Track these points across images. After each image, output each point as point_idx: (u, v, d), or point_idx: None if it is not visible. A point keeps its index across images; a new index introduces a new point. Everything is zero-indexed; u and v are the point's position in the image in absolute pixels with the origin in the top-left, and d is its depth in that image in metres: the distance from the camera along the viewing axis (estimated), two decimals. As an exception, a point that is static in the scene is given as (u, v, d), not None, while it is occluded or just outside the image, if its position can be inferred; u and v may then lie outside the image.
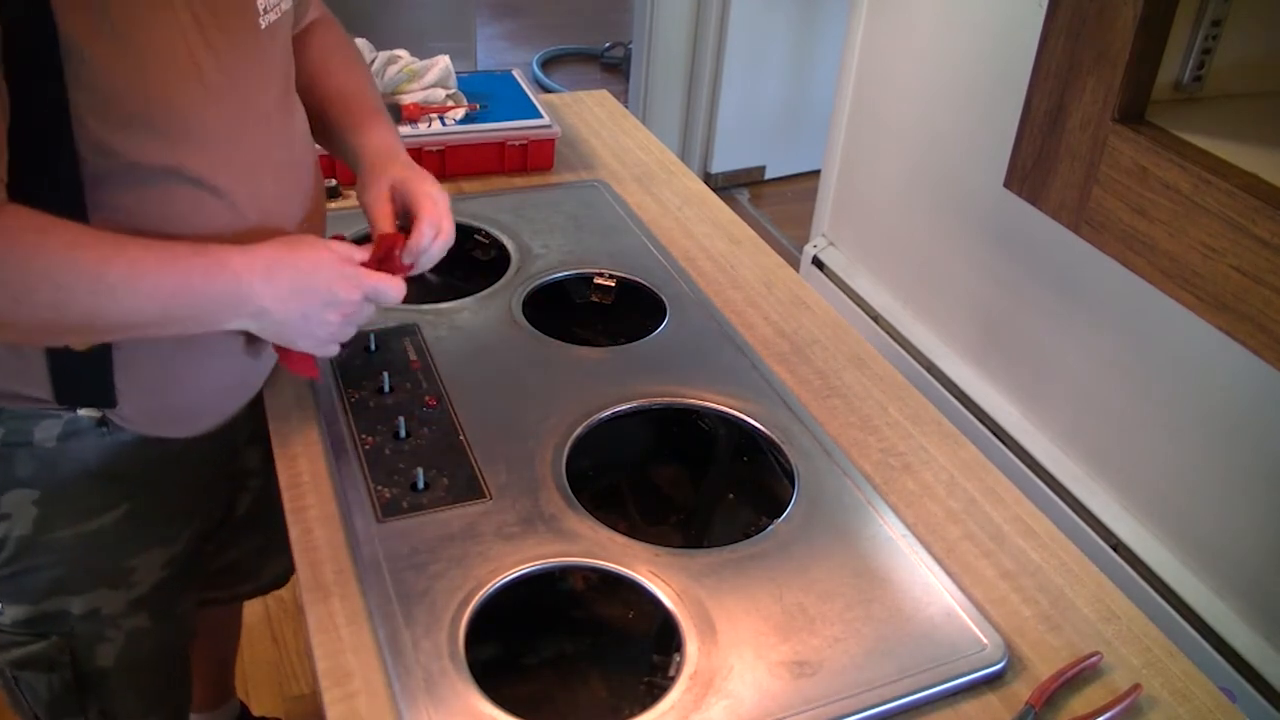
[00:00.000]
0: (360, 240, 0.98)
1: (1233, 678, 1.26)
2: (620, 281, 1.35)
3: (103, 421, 0.92)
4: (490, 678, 0.83)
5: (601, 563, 0.93)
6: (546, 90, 4.17)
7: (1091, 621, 0.94)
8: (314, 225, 1.00)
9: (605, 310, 1.36)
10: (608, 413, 1.11)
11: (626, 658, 1.02)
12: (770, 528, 0.99)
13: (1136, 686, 0.87)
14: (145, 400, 0.92)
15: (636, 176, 1.63)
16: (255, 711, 1.70)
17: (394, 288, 0.92)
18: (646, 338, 1.25)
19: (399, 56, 1.59)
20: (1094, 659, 0.89)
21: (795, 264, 1.99)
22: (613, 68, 4.66)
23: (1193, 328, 1.25)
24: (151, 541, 1.03)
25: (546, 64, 4.59)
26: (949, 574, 0.96)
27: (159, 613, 1.06)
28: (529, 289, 1.31)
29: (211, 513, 1.13)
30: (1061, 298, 1.51)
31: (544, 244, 1.40)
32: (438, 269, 1.41)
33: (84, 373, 0.88)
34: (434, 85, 1.60)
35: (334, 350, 0.95)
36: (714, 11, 3.30)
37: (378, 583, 0.90)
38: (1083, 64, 1.08)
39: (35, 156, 0.77)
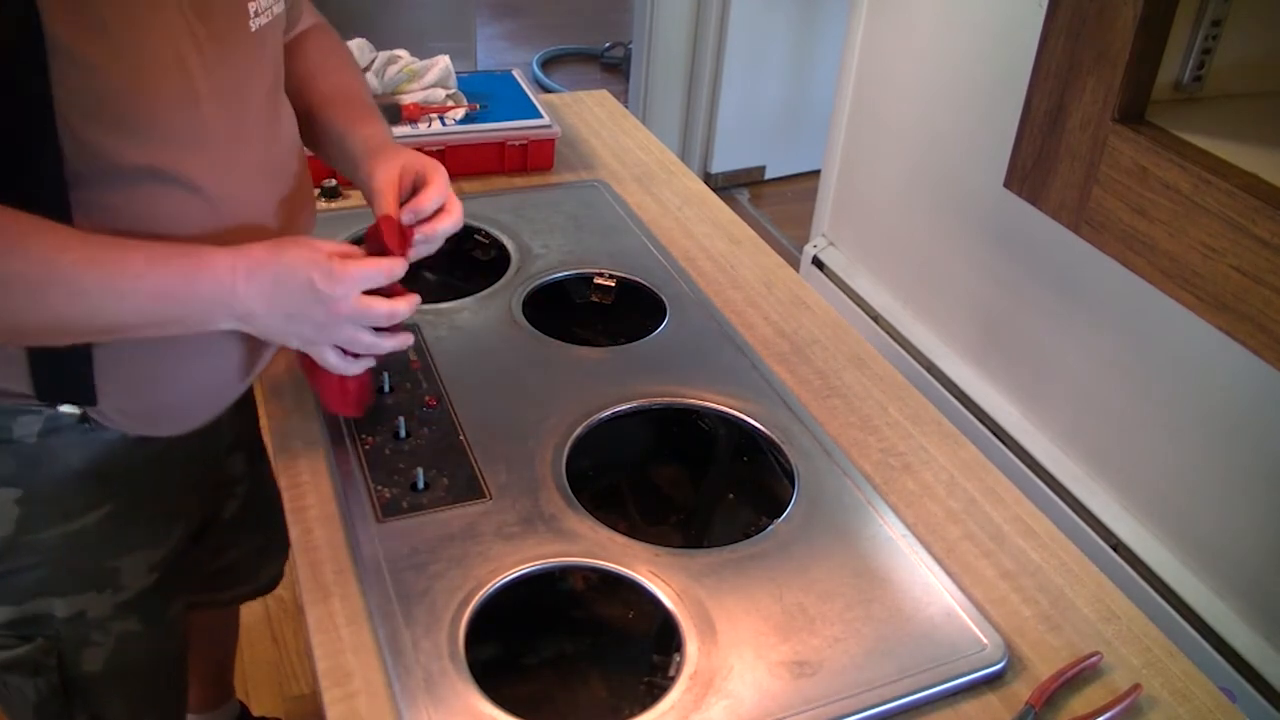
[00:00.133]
0: (358, 241, 0.97)
1: (1233, 678, 1.26)
2: (620, 281, 1.35)
3: (84, 419, 0.91)
4: (490, 678, 0.83)
5: (601, 563, 0.93)
6: (546, 90, 4.17)
7: (1091, 621, 0.94)
8: (301, 228, 0.99)
9: (605, 310, 1.36)
10: (608, 413, 1.11)
11: (626, 658, 1.02)
12: (770, 528, 0.99)
13: (1136, 686, 0.87)
14: (126, 399, 0.91)
15: (636, 176, 1.63)
16: (255, 711, 1.70)
17: (384, 268, 0.89)
18: (646, 338, 1.25)
19: (399, 56, 1.59)
20: (1094, 659, 0.89)
21: (795, 264, 1.99)
22: (613, 68, 4.66)
23: (1193, 328, 1.25)
24: (136, 543, 1.02)
25: (546, 64, 4.59)
26: (949, 574, 0.96)
27: (150, 617, 1.05)
28: (529, 289, 1.31)
29: (195, 516, 1.12)
30: (1061, 298, 1.51)
31: (544, 244, 1.40)
32: (438, 269, 1.41)
33: (64, 369, 0.87)
34: (434, 85, 1.60)
35: (335, 361, 0.93)
36: (714, 11, 3.30)
37: (378, 583, 0.90)
38: (1083, 64, 1.08)
39: (18, 156, 0.77)
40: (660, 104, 3.50)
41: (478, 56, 3.26)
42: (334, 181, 1.48)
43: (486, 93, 1.66)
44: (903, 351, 1.86)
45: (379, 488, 0.99)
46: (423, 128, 1.55)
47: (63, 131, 0.77)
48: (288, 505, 0.99)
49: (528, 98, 1.69)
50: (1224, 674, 1.27)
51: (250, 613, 1.90)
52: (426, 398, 1.10)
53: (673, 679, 0.84)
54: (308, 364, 0.99)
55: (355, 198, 1.46)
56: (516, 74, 1.78)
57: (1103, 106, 1.07)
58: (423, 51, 1.63)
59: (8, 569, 0.95)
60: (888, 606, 0.92)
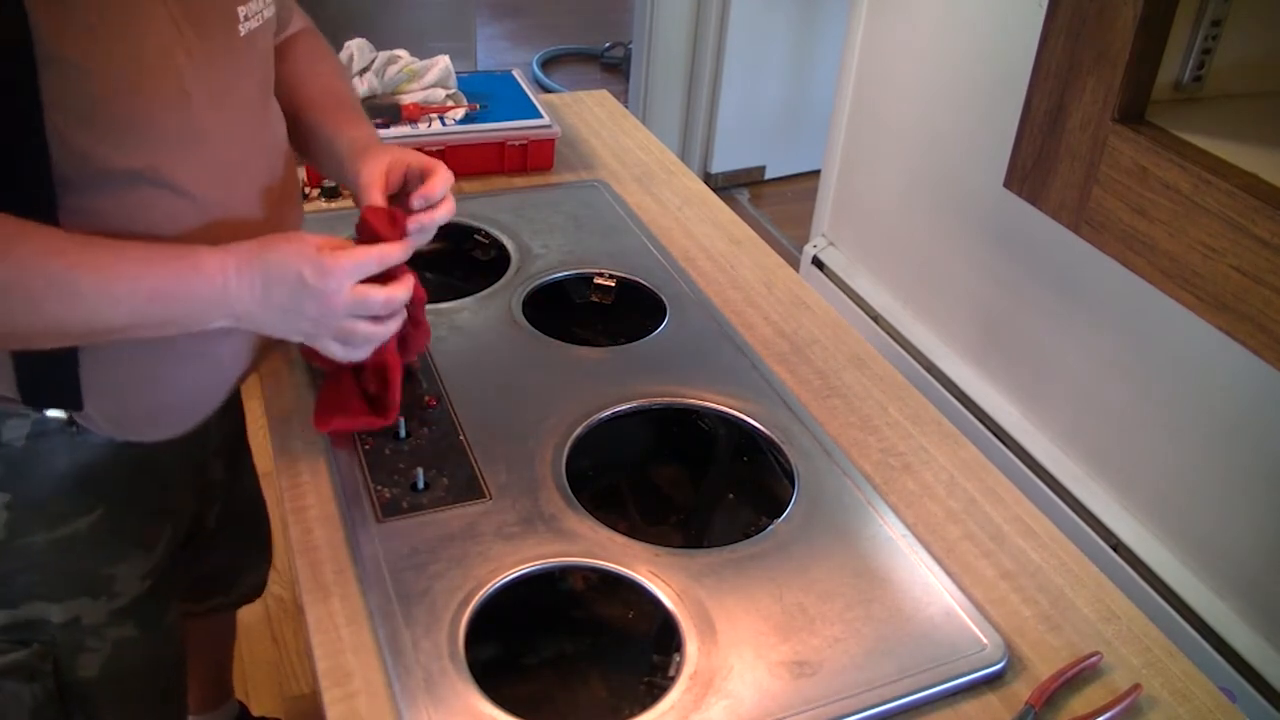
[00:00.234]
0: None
1: (1233, 678, 1.26)
2: (620, 281, 1.35)
3: (71, 423, 0.91)
4: (490, 678, 0.83)
5: (601, 563, 0.93)
6: (546, 90, 4.17)
7: (1091, 621, 0.94)
8: (289, 228, 0.99)
9: (605, 310, 1.36)
10: (608, 413, 1.11)
11: (626, 658, 1.02)
12: (770, 528, 0.99)
13: (1136, 686, 0.87)
14: (113, 402, 0.91)
15: (636, 176, 1.63)
16: (255, 711, 1.70)
17: (375, 256, 0.88)
18: (646, 338, 1.25)
19: (399, 56, 1.59)
20: (1094, 659, 0.89)
21: (795, 264, 1.99)
22: (613, 68, 4.66)
23: (1193, 328, 1.25)
24: (128, 548, 1.01)
25: (546, 64, 4.59)
26: (949, 574, 0.96)
27: (146, 623, 1.05)
28: (529, 289, 1.31)
29: (184, 520, 1.12)
30: (1061, 298, 1.51)
31: (544, 244, 1.40)
32: (438, 269, 1.41)
33: (50, 373, 0.87)
34: (434, 85, 1.60)
35: (339, 351, 0.92)
36: (714, 11, 3.30)
37: (378, 583, 0.90)
38: (1083, 64, 1.08)
39: (7, 161, 0.77)
40: (660, 104, 3.50)
41: (478, 56, 3.26)
42: (333, 181, 1.48)
43: (486, 93, 1.66)
44: (903, 351, 1.86)
45: (379, 488, 0.99)
46: (423, 128, 1.55)
47: (51, 136, 0.76)
48: (288, 505, 0.99)
49: (528, 98, 1.69)
50: (1224, 674, 1.27)
51: (250, 613, 1.90)
52: (426, 398, 1.10)
53: (673, 679, 0.84)
54: (330, 400, 1.02)
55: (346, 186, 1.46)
56: (516, 74, 1.78)
57: (1103, 106, 1.07)
58: (423, 51, 1.63)
59: (1, 573, 0.95)
60: (888, 606, 0.92)
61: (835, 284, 2.05)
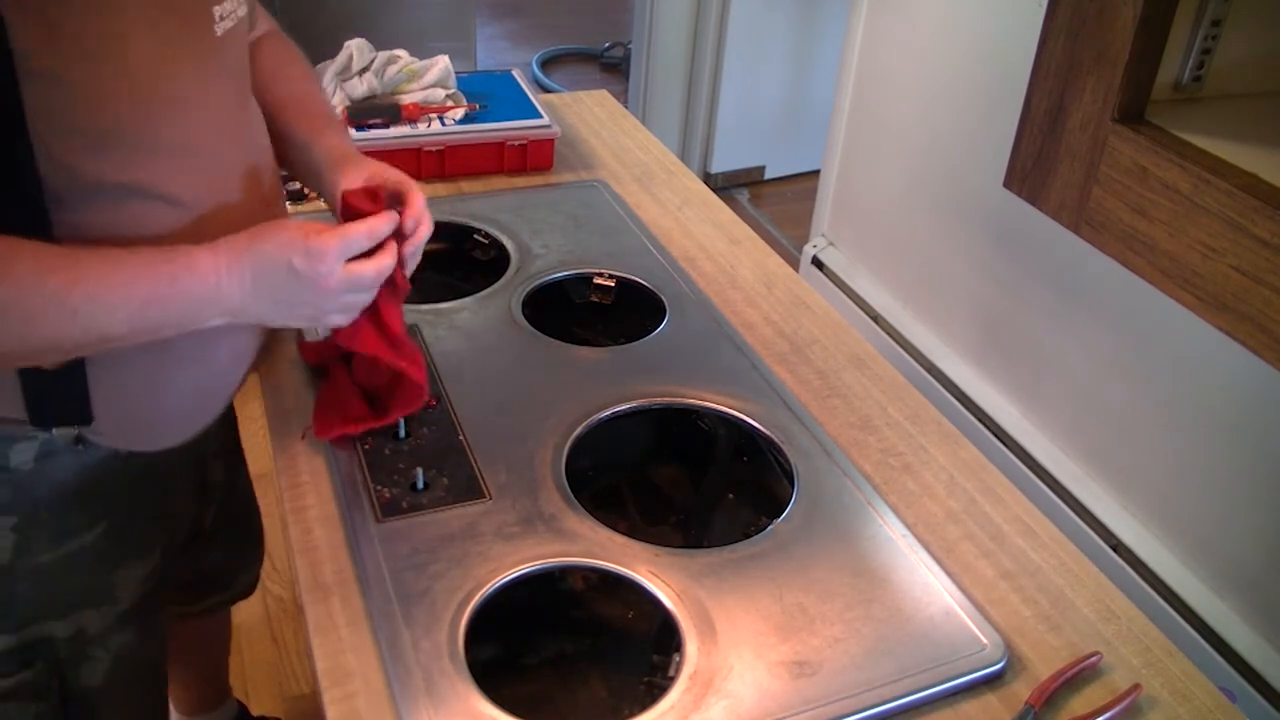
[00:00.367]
0: None
1: (1233, 678, 1.26)
2: (620, 281, 1.35)
3: (78, 439, 0.90)
4: (490, 678, 0.83)
5: (601, 563, 0.93)
6: (546, 90, 4.17)
7: (1091, 621, 0.94)
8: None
9: (605, 310, 1.36)
10: (608, 413, 1.11)
11: (626, 658, 1.02)
12: (770, 528, 0.99)
13: (1136, 686, 0.87)
14: (122, 414, 0.91)
15: (636, 176, 1.63)
16: (255, 711, 1.70)
17: (364, 231, 0.88)
18: (646, 338, 1.25)
19: (399, 56, 1.59)
20: (1094, 659, 0.89)
21: (795, 264, 1.99)
22: (612, 68, 4.66)
23: (1193, 328, 1.25)
24: (130, 556, 1.01)
25: (546, 64, 4.59)
26: (949, 574, 0.96)
27: (143, 627, 1.05)
28: (529, 289, 1.31)
29: (185, 524, 1.12)
30: (1061, 298, 1.51)
31: (544, 244, 1.40)
32: (438, 269, 1.41)
33: (59, 391, 0.86)
34: (434, 85, 1.60)
35: (343, 321, 0.92)
36: (714, 11, 3.30)
37: (378, 582, 0.90)
38: (1083, 64, 1.08)
39: None
40: (660, 104, 3.50)
41: (478, 56, 3.26)
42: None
43: (486, 93, 1.66)
44: (903, 351, 1.86)
45: (379, 488, 0.99)
46: (422, 128, 1.55)
47: (39, 152, 0.76)
48: (288, 505, 0.99)
49: (527, 98, 1.69)
50: (1224, 674, 1.27)
51: (250, 613, 1.90)
52: (426, 398, 1.10)
53: (673, 679, 0.84)
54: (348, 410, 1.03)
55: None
56: (516, 74, 1.78)
57: (1103, 106, 1.07)
58: (423, 51, 1.63)
59: (6, 598, 0.94)
60: (888, 606, 0.92)
61: (835, 284, 2.05)
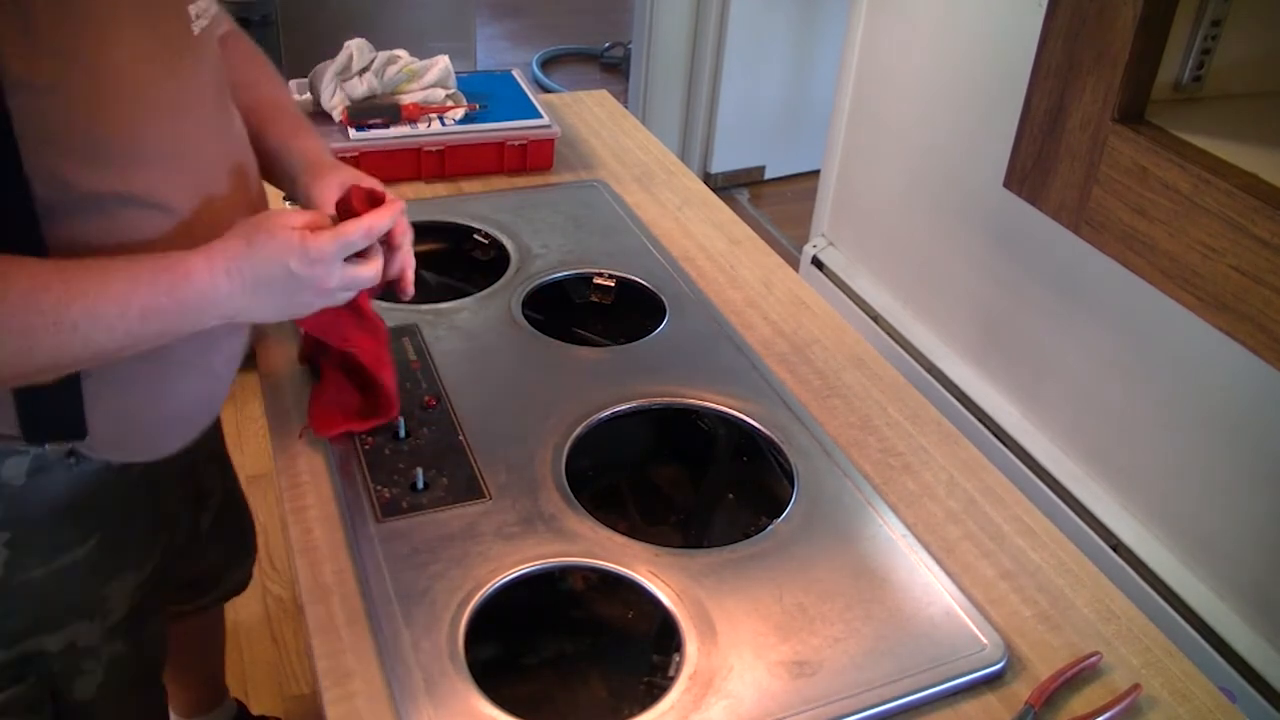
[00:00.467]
0: None
1: (1233, 678, 1.26)
2: (620, 281, 1.35)
3: (71, 453, 0.90)
4: (490, 678, 0.83)
5: (601, 563, 0.93)
6: (546, 90, 4.17)
7: (1091, 621, 0.94)
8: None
9: (605, 310, 1.36)
10: (608, 413, 1.11)
11: (626, 658, 1.02)
12: (770, 528, 0.99)
13: (1136, 686, 0.87)
14: (116, 427, 0.90)
15: (636, 176, 1.63)
16: (255, 711, 1.70)
17: (363, 229, 0.88)
18: (646, 338, 1.25)
19: (399, 56, 1.59)
20: (1094, 659, 0.89)
21: (795, 264, 1.99)
22: (612, 68, 4.66)
23: (1193, 328, 1.25)
24: (123, 568, 1.01)
25: (546, 64, 4.59)
26: (949, 574, 0.96)
27: (136, 636, 1.04)
28: (529, 289, 1.31)
29: (179, 531, 1.12)
30: (1061, 298, 1.51)
31: (544, 244, 1.40)
32: (438, 269, 1.41)
33: (53, 407, 0.86)
34: (434, 85, 1.60)
35: (342, 297, 0.92)
36: (714, 11, 3.30)
37: (378, 582, 0.90)
38: (1083, 64, 1.08)
39: None
40: (660, 104, 3.50)
41: (478, 56, 3.26)
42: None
43: (486, 93, 1.66)
44: (903, 352, 1.86)
45: (379, 488, 0.99)
46: (422, 128, 1.55)
47: (29, 166, 0.75)
48: (288, 505, 0.99)
49: (527, 98, 1.69)
50: (1224, 674, 1.27)
51: (250, 613, 1.90)
52: (426, 398, 1.10)
53: (672, 679, 0.84)
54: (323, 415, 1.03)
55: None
56: (516, 74, 1.78)
57: (1102, 106, 1.07)
58: (423, 51, 1.63)
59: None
60: (888, 606, 0.92)
61: (835, 284, 2.05)
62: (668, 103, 3.51)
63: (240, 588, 1.40)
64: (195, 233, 0.86)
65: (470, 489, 1.00)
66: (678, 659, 0.86)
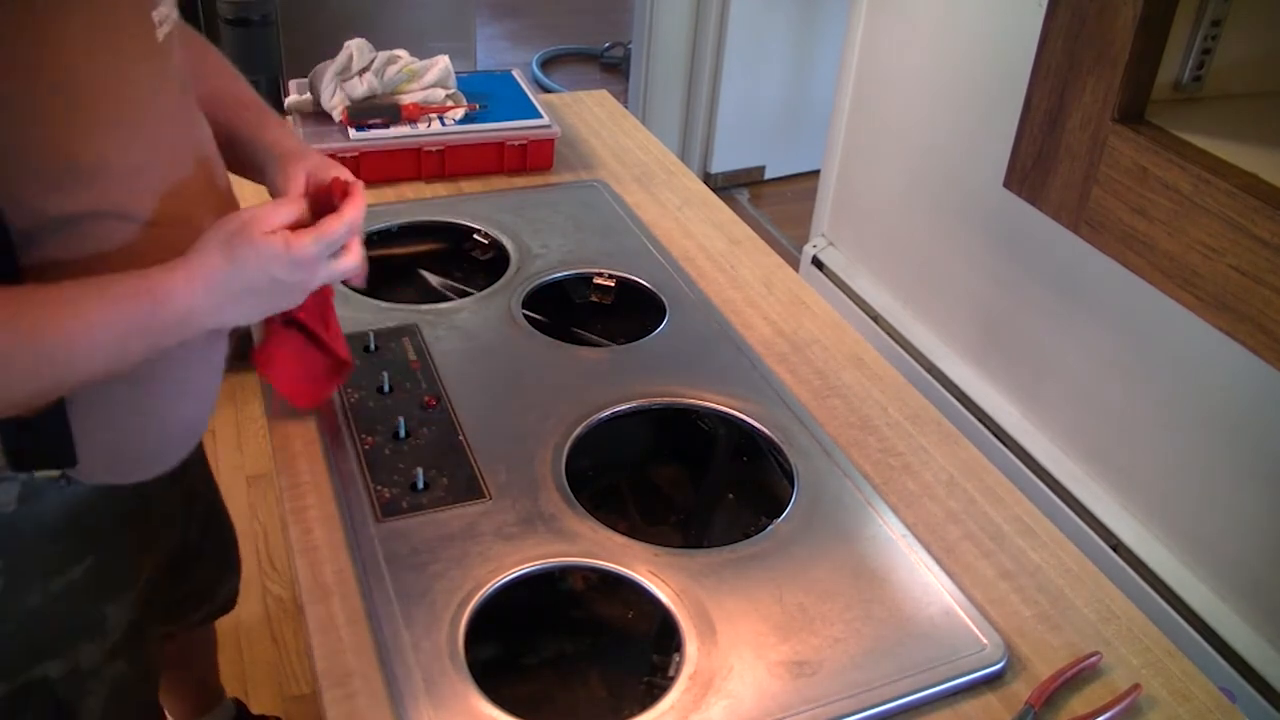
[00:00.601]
0: None
1: (1233, 678, 1.26)
2: (620, 281, 1.35)
3: (62, 476, 0.89)
4: (490, 678, 0.83)
5: (601, 563, 0.93)
6: (546, 90, 4.17)
7: (1091, 621, 0.94)
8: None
9: (605, 310, 1.36)
10: (607, 413, 1.11)
11: (626, 658, 1.02)
12: (770, 528, 0.99)
13: (1136, 686, 0.87)
14: (105, 451, 0.89)
15: (636, 176, 1.63)
16: (255, 711, 1.70)
17: (345, 223, 0.86)
18: (646, 338, 1.25)
19: (399, 56, 1.59)
20: (1094, 659, 0.89)
21: (795, 264, 1.99)
22: (612, 68, 4.66)
23: (1193, 328, 1.25)
24: (120, 586, 1.00)
25: (546, 64, 4.59)
26: (949, 574, 0.96)
27: (136, 652, 1.04)
28: (529, 289, 1.31)
29: (172, 545, 1.12)
30: (1061, 298, 1.51)
31: (544, 244, 1.40)
32: (438, 269, 1.41)
33: (40, 435, 0.84)
34: (434, 85, 1.60)
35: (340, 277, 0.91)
36: (714, 11, 3.30)
37: (378, 583, 0.90)
38: (1083, 64, 1.08)
39: None
40: (660, 104, 3.50)
41: (478, 56, 3.26)
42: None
43: (486, 93, 1.66)
44: (903, 352, 1.86)
45: (379, 488, 0.99)
46: (422, 128, 1.55)
47: (2, 196, 0.74)
48: (288, 505, 0.99)
49: (527, 98, 1.69)
50: (1224, 674, 1.27)
51: (250, 613, 1.90)
52: (426, 398, 1.10)
53: (672, 679, 0.84)
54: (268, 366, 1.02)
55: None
56: (516, 74, 1.78)
57: (1102, 106, 1.07)
58: (423, 51, 1.63)
59: None
60: (887, 606, 0.92)
61: (835, 284, 2.05)
62: (668, 103, 3.51)
63: (229, 605, 1.39)
64: (167, 239, 0.84)
65: (470, 489, 1.00)
66: (678, 659, 0.86)
